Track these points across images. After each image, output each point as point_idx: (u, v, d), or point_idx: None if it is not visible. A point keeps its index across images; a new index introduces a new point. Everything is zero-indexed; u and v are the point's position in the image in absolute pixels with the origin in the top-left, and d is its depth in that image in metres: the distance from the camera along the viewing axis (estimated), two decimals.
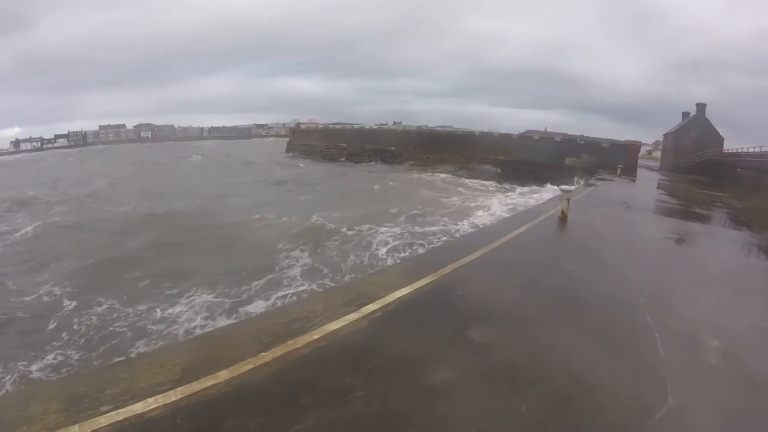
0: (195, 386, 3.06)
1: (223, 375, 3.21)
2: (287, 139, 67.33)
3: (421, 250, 11.75)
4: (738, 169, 28.72)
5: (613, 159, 31.34)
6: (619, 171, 28.06)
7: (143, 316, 8.52)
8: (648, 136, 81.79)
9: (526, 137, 41.47)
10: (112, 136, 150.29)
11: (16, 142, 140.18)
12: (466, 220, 16.36)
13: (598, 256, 7.85)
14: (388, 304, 4.68)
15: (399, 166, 42.40)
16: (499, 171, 37.00)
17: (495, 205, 20.20)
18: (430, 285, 5.40)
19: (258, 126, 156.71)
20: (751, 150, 28.43)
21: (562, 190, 10.86)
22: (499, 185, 30.73)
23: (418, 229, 14.74)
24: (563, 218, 10.38)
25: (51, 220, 18.20)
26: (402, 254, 11.89)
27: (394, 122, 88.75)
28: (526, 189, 27.01)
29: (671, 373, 3.81)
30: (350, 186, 28.94)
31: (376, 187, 27.37)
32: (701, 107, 42.61)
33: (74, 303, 9.29)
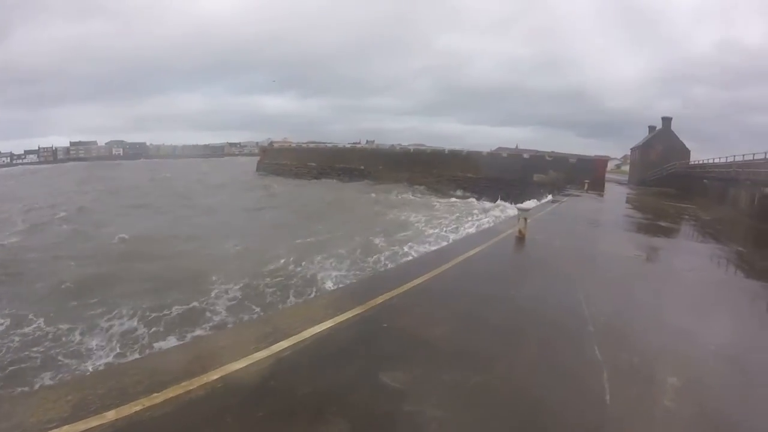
0: (80, 426, 2.86)
1: (110, 416, 2.98)
2: (258, 158, 68.02)
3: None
4: (705, 180, 28.41)
5: (580, 174, 30.86)
6: (586, 186, 27.39)
7: (63, 340, 8.64)
8: (617, 150, 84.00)
9: (494, 155, 40.98)
10: (83, 152, 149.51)
11: None
12: (418, 243, 15.69)
13: (552, 280, 7.23)
14: (303, 341, 4.26)
15: (364, 185, 41.39)
16: (464, 189, 36.43)
17: (453, 224, 19.50)
18: (356, 318, 4.93)
19: (231, 144, 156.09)
20: (717, 161, 28.10)
21: (518, 210, 10.42)
22: (465, 202, 30.08)
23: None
24: (521, 238, 9.92)
25: None
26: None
27: (367, 141, 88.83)
28: (488, 205, 26.56)
29: (615, 423, 3.29)
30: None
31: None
32: (667, 121, 42.92)
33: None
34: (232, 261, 14.08)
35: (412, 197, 33.19)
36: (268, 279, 12.09)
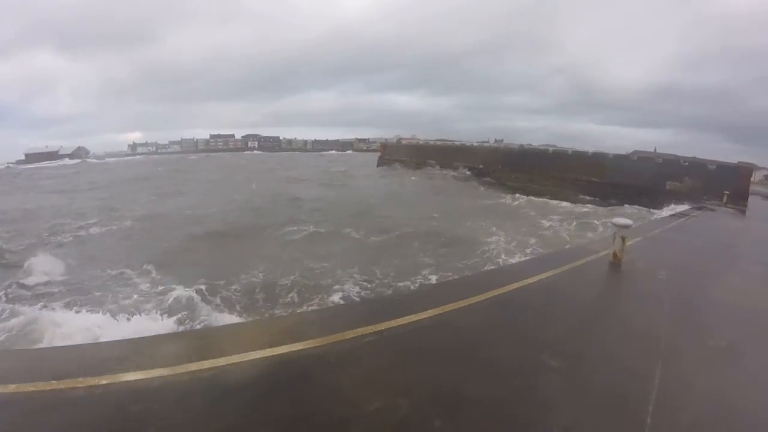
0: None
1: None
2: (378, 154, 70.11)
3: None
4: None
5: (720, 184, 28.60)
6: (725, 198, 25.70)
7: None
8: None
9: (622, 157, 38.98)
10: (221, 144, 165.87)
11: (133, 146, 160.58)
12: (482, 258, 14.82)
13: (633, 340, 5.04)
14: (177, 374, 3.60)
15: (477, 188, 42.26)
16: (587, 194, 35.37)
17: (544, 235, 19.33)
18: (286, 356, 3.98)
19: (359, 140, 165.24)
20: None
21: (615, 225, 8.20)
22: (581, 211, 29.16)
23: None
24: (615, 263, 8.03)
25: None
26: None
27: (496, 140, 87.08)
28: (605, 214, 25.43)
29: None
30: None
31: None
32: None
33: None
34: None
35: (525, 201, 32.67)
36: None
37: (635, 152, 50.51)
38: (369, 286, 11.71)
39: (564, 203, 31.75)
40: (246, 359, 3.84)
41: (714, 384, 4.18)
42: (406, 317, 4.92)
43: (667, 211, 23.37)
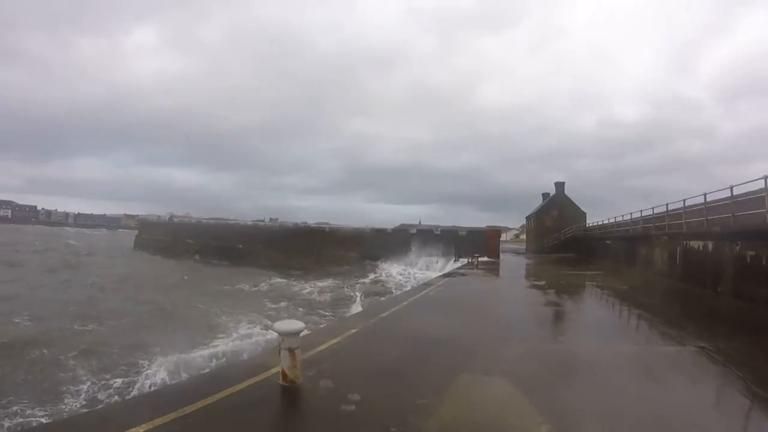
0: None
1: None
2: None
3: None
4: (607, 242, 24.51)
5: (472, 246, 26.16)
6: (476, 262, 21.77)
7: None
8: (515, 221, 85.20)
9: (377, 230, 35.41)
10: None
11: None
12: None
13: None
14: None
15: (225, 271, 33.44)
16: (341, 271, 30.27)
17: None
18: None
19: (128, 216, 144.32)
20: (619, 219, 24.21)
21: (278, 334, 4.74)
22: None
23: None
24: (287, 386, 4.48)
25: None
26: None
27: (271, 218, 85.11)
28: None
29: None
30: None
31: None
32: (560, 185, 40.92)
33: None
34: None
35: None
36: None
37: (402, 225, 49.07)
38: None
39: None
40: None
41: None
42: None
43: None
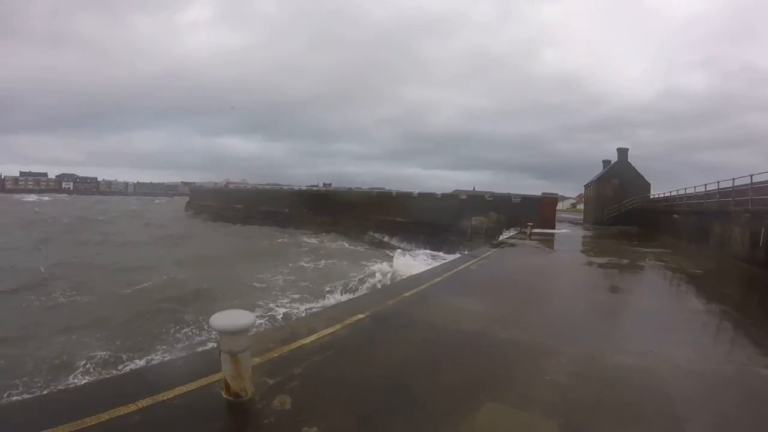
0: None
1: None
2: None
3: None
4: (675, 216, 22.60)
5: (526, 215, 24.84)
6: (529, 231, 20.85)
7: None
8: (572, 190, 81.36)
9: (426, 195, 34.33)
10: (31, 184, 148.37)
11: None
12: None
13: None
14: None
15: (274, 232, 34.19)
16: (391, 236, 30.33)
17: None
18: None
19: (185, 183, 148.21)
20: (689, 191, 22.25)
21: (215, 330, 3.35)
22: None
23: None
24: (232, 401, 3.31)
25: None
26: None
27: (324, 184, 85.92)
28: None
29: None
30: None
31: None
32: (623, 152, 37.69)
33: None
34: None
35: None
36: None
37: (456, 191, 47.77)
38: None
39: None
40: None
41: None
42: None
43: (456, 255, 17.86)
